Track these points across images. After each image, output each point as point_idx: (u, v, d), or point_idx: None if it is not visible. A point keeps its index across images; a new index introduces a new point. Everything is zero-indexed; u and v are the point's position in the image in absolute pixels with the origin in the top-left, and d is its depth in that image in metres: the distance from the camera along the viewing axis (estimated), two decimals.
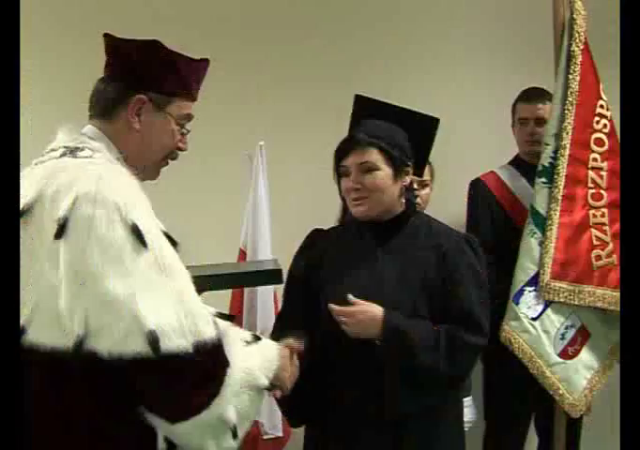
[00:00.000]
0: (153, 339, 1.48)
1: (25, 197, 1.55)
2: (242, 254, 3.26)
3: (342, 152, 2.22)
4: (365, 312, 2.10)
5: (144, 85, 1.74)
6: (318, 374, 2.20)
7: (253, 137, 3.28)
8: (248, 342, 1.75)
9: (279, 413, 3.12)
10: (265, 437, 3.17)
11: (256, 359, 1.73)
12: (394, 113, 2.26)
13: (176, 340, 1.50)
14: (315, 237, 2.39)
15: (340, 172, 2.24)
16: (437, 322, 2.14)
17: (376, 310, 2.10)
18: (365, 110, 2.31)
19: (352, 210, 2.24)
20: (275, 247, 3.25)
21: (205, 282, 2.17)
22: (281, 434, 3.19)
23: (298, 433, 2.95)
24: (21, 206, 1.54)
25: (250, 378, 1.66)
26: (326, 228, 2.42)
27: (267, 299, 3.25)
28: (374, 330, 2.09)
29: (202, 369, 1.56)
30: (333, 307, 2.11)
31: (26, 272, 1.53)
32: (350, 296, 2.12)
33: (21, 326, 1.52)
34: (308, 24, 3.69)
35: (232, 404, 1.61)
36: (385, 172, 2.18)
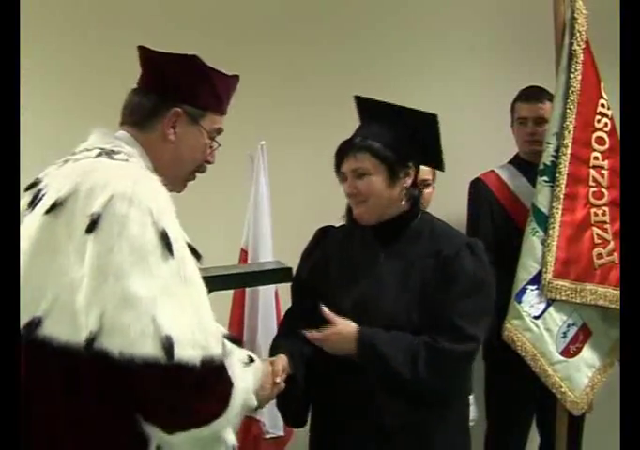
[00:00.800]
0: (168, 345, 1.48)
1: (59, 191, 1.57)
2: (244, 254, 3.25)
3: (338, 157, 2.23)
4: (338, 333, 2.12)
5: (180, 98, 1.77)
6: (320, 377, 2.22)
7: (255, 137, 3.27)
8: (245, 363, 1.77)
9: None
10: (266, 436, 3.16)
11: (252, 380, 1.76)
12: (392, 112, 2.23)
13: (188, 351, 1.51)
14: (321, 237, 2.40)
15: (341, 177, 2.26)
16: (425, 329, 2.12)
17: (350, 330, 2.11)
18: (365, 110, 2.31)
19: (353, 213, 2.25)
20: (276, 246, 3.25)
21: (217, 282, 2.20)
22: (282, 433, 3.18)
23: (300, 432, 2.94)
24: (53, 200, 1.56)
25: (246, 397, 1.69)
26: (333, 225, 2.44)
27: (269, 299, 3.24)
28: (349, 347, 2.10)
29: (204, 385, 1.56)
30: (307, 334, 2.14)
31: (50, 265, 1.54)
32: (325, 310, 2.13)
33: (38, 318, 1.54)
34: (309, 24, 3.69)
35: (231, 424, 1.63)
36: (378, 177, 2.17)
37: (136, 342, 1.48)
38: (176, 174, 1.82)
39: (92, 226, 1.50)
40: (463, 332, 2.09)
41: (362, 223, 2.24)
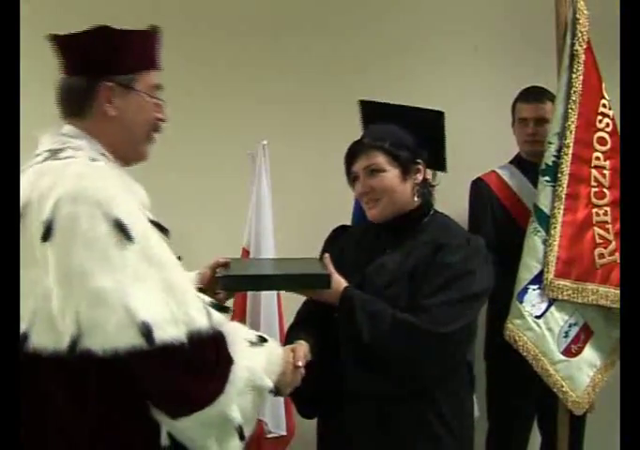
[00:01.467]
0: (146, 330, 1.49)
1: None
2: (245, 253, 3.26)
3: (349, 158, 2.28)
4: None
5: (104, 72, 1.72)
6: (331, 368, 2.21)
7: (256, 136, 3.28)
8: (253, 343, 1.74)
9: (282, 412, 3.14)
10: (268, 436, 3.16)
11: (262, 361, 1.72)
12: (397, 113, 2.29)
13: (169, 330, 1.51)
14: (338, 233, 2.45)
15: (352, 179, 2.29)
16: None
17: (340, 285, 2.14)
18: (370, 113, 2.37)
19: (367, 214, 2.29)
20: (278, 246, 3.26)
21: (256, 282, 2.21)
22: (284, 433, 3.19)
23: (302, 432, 2.95)
24: None
25: (254, 378, 1.66)
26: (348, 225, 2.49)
27: (271, 298, 3.24)
28: (334, 299, 2.13)
29: (199, 359, 1.56)
30: None
31: (24, 277, 1.54)
32: (326, 259, 2.18)
33: (23, 333, 1.54)
34: (312, 22, 3.70)
35: (235, 403, 1.61)
36: (391, 172, 2.22)
37: (115, 336, 1.49)
38: (134, 145, 1.79)
39: (47, 233, 1.51)
40: (433, 317, 2.08)
41: (376, 222, 2.28)
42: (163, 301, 1.53)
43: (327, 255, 2.22)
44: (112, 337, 1.49)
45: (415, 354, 2.10)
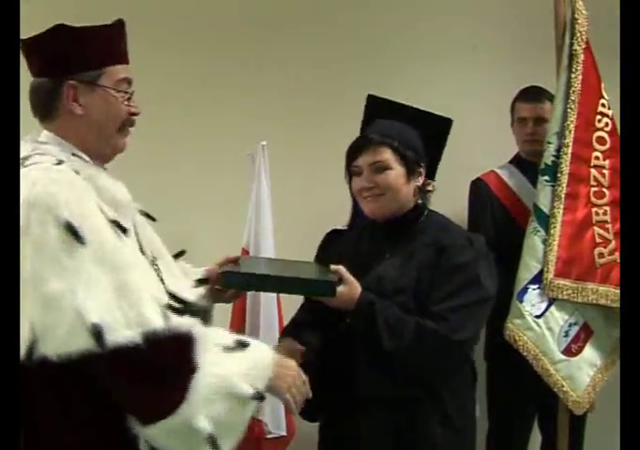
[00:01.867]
0: (97, 333, 1.48)
1: None
2: (245, 254, 3.25)
3: (354, 151, 2.23)
4: (344, 292, 2.09)
5: (67, 70, 1.71)
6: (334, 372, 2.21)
7: (256, 137, 3.28)
8: (229, 348, 1.67)
9: (282, 412, 3.13)
10: (268, 436, 3.15)
11: (236, 366, 1.64)
12: (407, 114, 2.28)
13: (123, 332, 1.50)
14: (332, 238, 2.43)
15: (351, 173, 2.25)
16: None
17: (355, 290, 2.10)
18: (377, 109, 2.33)
19: (365, 209, 2.25)
20: (278, 246, 3.25)
21: (258, 282, 2.15)
22: (284, 433, 3.18)
23: (302, 432, 2.94)
24: None
25: (225, 385, 1.59)
26: (340, 227, 2.45)
27: (271, 299, 3.24)
28: (349, 304, 2.09)
29: (157, 362, 1.54)
30: None
31: None
32: (340, 267, 2.12)
33: None
34: (312, 24, 3.70)
35: (202, 412, 1.56)
36: (397, 171, 2.19)
37: (67, 340, 1.48)
38: (106, 140, 1.77)
39: None
40: (448, 323, 2.08)
41: (374, 218, 2.26)
42: (116, 303, 1.52)
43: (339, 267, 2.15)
44: (64, 341, 1.48)
45: (435, 360, 2.11)
